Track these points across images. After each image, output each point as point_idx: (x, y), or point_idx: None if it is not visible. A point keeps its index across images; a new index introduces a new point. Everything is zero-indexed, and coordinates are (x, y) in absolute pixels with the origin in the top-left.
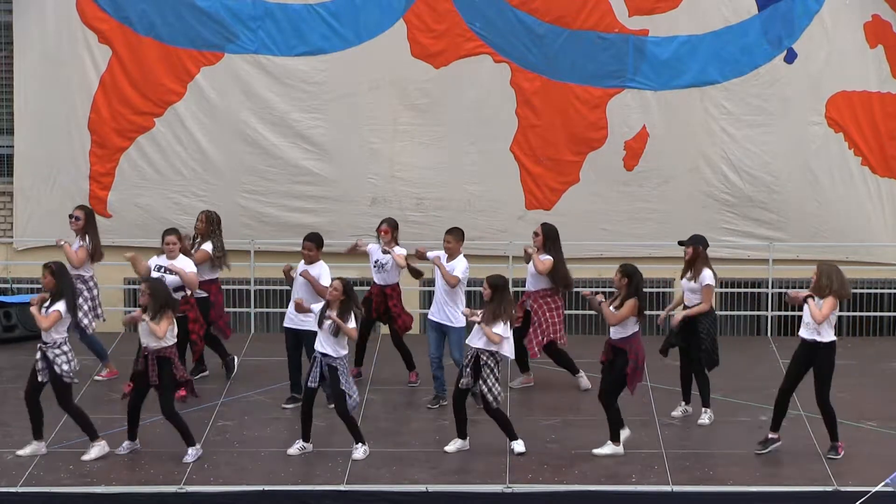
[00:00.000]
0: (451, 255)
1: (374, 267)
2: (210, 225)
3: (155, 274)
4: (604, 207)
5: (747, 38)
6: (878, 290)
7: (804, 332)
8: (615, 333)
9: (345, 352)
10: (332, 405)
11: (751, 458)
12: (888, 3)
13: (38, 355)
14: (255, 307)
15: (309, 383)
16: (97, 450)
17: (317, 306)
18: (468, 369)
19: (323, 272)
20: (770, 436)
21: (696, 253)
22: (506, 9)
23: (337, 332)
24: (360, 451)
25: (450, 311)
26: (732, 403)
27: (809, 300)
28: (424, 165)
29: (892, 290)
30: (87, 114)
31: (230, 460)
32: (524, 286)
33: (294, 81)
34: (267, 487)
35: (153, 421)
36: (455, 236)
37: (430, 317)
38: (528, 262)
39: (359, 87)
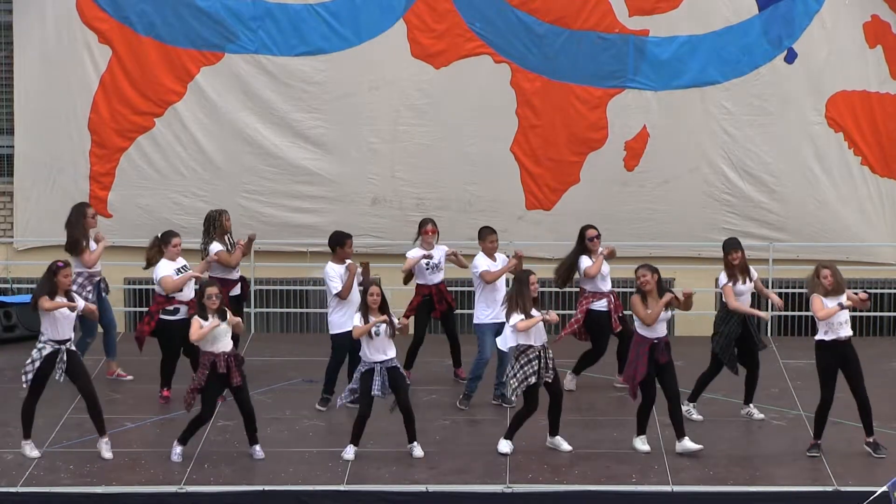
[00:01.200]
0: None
1: (428, 268)
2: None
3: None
4: (604, 208)
5: (748, 38)
6: (878, 290)
7: (846, 330)
8: (663, 331)
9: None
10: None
11: (751, 458)
12: (887, 4)
13: (63, 356)
14: (255, 307)
15: (374, 392)
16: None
17: (357, 318)
18: (552, 364)
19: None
20: (818, 442)
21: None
22: (506, 9)
23: (394, 334)
24: (418, 449)
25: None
26: (733, 403)
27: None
28: (425, 165)
29: (892, 290)
30: (87, 114)
31: (230, 460)
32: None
33: (294, 81)
34: (267, 487)
35: (153, 421)
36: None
37: (494, 320)
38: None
39: (359, 87)
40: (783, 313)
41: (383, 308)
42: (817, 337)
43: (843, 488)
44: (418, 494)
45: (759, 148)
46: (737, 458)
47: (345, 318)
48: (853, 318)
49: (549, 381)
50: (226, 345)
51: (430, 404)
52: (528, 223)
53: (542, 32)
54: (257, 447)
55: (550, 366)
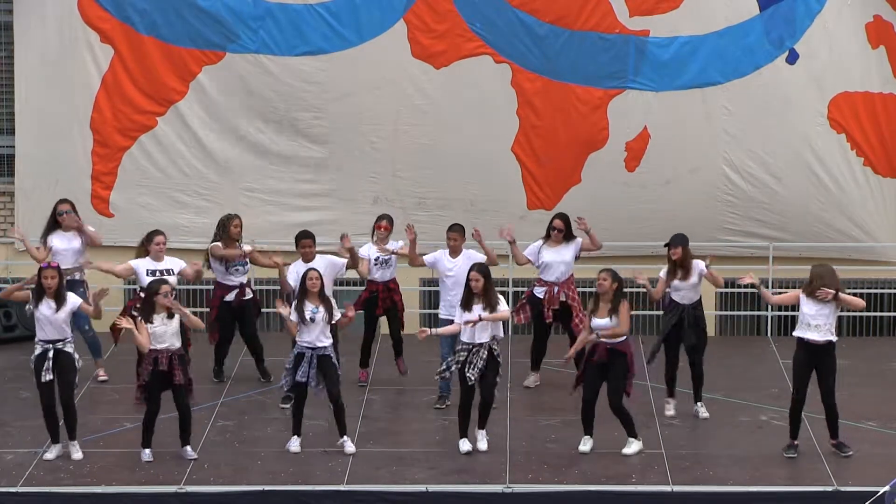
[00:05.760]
0: (456, 252)
1: (376, 264)
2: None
3: (148, 278)
4: (605, 208)
5: (749, 38)
6: (878, 290)
7: (816, 335)
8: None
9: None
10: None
11: (751, 458)
12: (889, 4)
13: (51, 353)
14: None
15: (299, 377)
16: (55, 450)
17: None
18: (481, 364)
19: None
20: (795, 442)
21: (686, 253)
22: (506, 9)
23: (332, 319)
24: (349, 444)
25: None
26: (732, 403)
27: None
28: (426, 165)
29: (892, 290)
30: (88, 113)
31: (230, 460)
32: (524, 286)
33: (295, 81)
34: (267, 487)
35: None
36: (461, 233)
37: (446, 316)
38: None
39: (359, 86)
40: (783, 313)
41: (323, 295)
42: (793, 332)
43: (843, 488)
44: (418, 494)
45: (760, 149)
46: (737, 458)
47: None
48: (853, 319)
49: (471, 380)
50: (172, 343)
51: (429, 404)
52: (530, 223)
53: (542, 33)
54: (188, 448)
55: (477, 365)
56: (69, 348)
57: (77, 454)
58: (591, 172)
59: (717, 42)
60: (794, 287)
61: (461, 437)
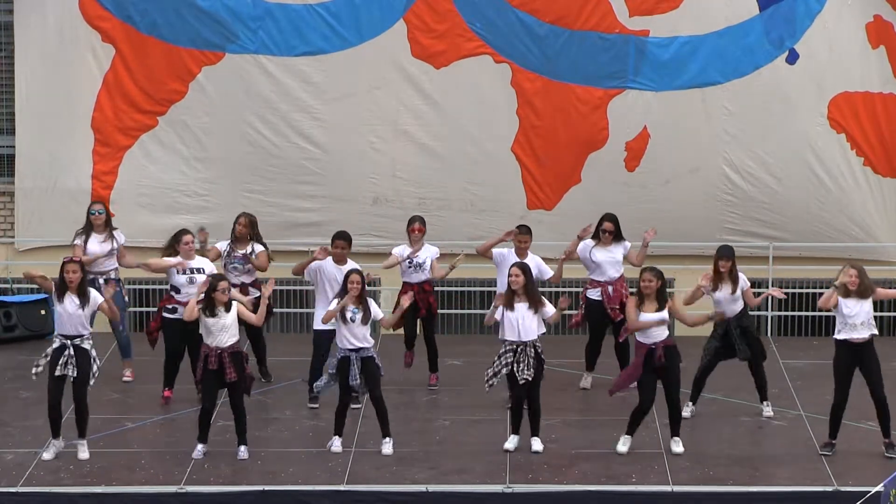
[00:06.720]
0: (524, 255)
1: (410, 267)
2: (252, 228)
3: (182, 277)
4: (605, 208)
5: (748, 38)
6: None
7: (860, 333)
8: (662, 334)
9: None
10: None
11: (751, 458)
12: (890, 4)
13: (70, 351)
14: None
15: (352, 382)
16: (53, 450)
17: (333, 303)
18: (532, 363)
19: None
20: (833, 441)
21: (735, 264)
22: (506, 9)
23: (367, 322)
24: (389, 446)
25: None
26: (732, 403)
27: None
28: (425, 165)
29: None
30: (89, 113)
31: (230, 460)
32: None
33: (294, 81)
34: (267, 487)
35: (153, 421)
36: (530, 234)
37: None
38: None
39: (359, 87)
40: (783, 313)
41: (364, 298)
42: (834, 335)
43: (843, 488)
44: (418, 494)
45: (760, 149)
46: (737, 458)
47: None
48: None
49: (524, 380)
50: (222, 340)
51: (430, 404)
52: (530, 223)
53: (542, 33)
54: (242, 448)
55: (529, 364)
56: (86, 345)
57: (84, 454)
58: (591, 172)
59: (717, 42)
60: (794, 287)
61: (512, 433)
